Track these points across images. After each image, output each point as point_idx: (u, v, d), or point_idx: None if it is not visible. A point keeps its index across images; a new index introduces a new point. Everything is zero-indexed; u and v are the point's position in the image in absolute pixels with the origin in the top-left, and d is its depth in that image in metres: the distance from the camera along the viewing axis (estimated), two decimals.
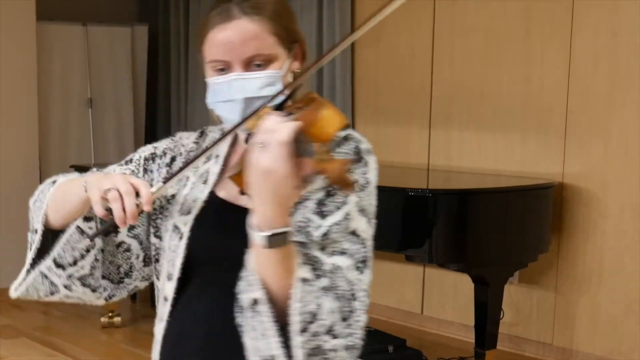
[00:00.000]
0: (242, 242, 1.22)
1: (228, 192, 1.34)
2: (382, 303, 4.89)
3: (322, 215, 1.25)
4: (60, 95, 5.74)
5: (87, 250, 1.40)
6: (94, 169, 1.45)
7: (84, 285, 1.43)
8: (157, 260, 1.42)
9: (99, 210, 1.23)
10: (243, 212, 1.23)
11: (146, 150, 1.47)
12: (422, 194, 3.54)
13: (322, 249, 1.22)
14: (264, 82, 1.28)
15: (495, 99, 4.36)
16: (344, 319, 1.19)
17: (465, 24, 4.47)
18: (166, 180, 1.27)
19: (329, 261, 1.21)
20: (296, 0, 5.30)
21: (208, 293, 1.32)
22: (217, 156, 1.41)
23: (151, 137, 6.47)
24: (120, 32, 6.01)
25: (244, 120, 1.21)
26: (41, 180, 5.74)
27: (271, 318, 1.16)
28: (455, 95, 4.53)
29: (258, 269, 1.17)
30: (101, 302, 1.47)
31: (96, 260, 1.42)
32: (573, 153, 4.07)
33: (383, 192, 4.20)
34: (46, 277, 1.41)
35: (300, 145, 1.09)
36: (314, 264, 1.20)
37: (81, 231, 1.38)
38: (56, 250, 1.39)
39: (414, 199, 3.52)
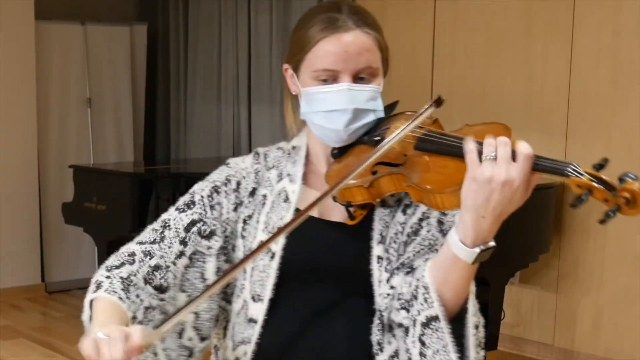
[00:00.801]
0: (342, 258, 1.25)
1: (316, 209, 1.29)
2: None
3: (444, 233, 1.28)
4: (59, 95, 5.73)
5: (183, 329, 1.34)
6: (160, 227, 1.36)
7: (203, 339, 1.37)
8: (227, 284, 1.36)
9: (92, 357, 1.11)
10: (336, 227, 1.28)
11: (204, 188, 1.38)
12: None
13: None
14: (370, 95, 1.31)
15: (497, 98, 4.35)
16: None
17: (466, 23, 4.46)
18: (162, 323, 1.15)
19: (473, 286, 1.25)
20: (296, 0, 5.29)
21: (305, 314, 1.29)
22: (289, 175, 1.37)
23: (150, 137, 6.46)
24: (119, 31, 5.99)
25: (385, 144, 1.21)
26: (40, 181, 5.67)
27: (451, 334, 1.17)
28: (456, 94, 4.52)
29: (439, 286, 1.18)
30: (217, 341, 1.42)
31: (196, 329, 1.36)
32: (575, 153, 4.05)
33: None
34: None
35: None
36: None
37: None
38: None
39: None
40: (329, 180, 1.30)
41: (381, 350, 1.24)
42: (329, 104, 1.29)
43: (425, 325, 1.18)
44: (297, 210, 1.32)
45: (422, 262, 1.24)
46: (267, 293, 1.30)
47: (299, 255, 1.30)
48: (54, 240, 5.56)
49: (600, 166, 1.16)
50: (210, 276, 1.33)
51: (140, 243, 1.33)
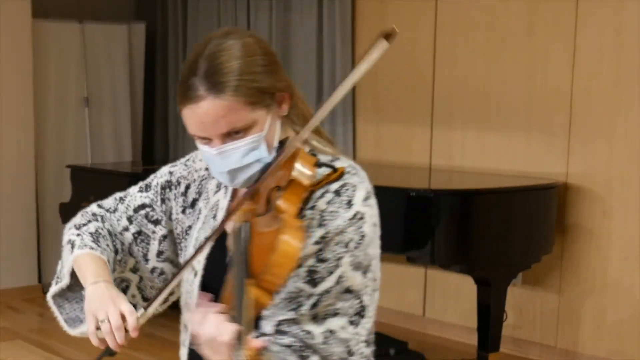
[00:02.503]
0: None
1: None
2: (383, 305, 4.83)
3: (314, 283, 1.25)
4: (57, 94, 5.71)
5: (127, 287, 1.51)
6: (114, 201, 1.53)
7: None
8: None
9: (94, 341, 1.32)
10: None
11: (163, 175, 1.50)
12: (424, 194, 3.53)
13: (314, 317, 1.25)
14: (246, 150, 1.28)
15: (498, 98, 4.33)
16: None
17: (468, 21, 4.44)
18: (148, 305, 1.34)
19: (320, 330, 1.24)
20: (296, 0, 5.27)
21: None
22: (225, 187, 1.42)
23: (149, 136, 6.44)
24: (117, 29, 5.97)
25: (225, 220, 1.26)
26: (37, 181, 5.64)
27: None
28: (458, 93, 4.51)
29: None
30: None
31: (138, 289, 1.52)
32: (577, 152, 4.04)
33: (384, 192, 4.14)
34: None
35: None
36: (301, 345, 1.23)
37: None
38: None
39: (416, 199, 3.50)
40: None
41: None
42: (211, 165, 1.32)
43: None
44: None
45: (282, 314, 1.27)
46: (193, 305, 1.38)
47: (215, 275, 1.33)
48: (52, 241, 5.52)
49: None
50: (153, 257, 1.49)
51: (100, 207, 1.52)
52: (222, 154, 1.28)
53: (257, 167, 1.29)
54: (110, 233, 1.47)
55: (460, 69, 4.50)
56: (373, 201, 1.33)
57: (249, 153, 1.28)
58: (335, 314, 1.25)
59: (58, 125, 5.72)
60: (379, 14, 4.89)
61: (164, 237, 1.48)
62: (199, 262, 1.38)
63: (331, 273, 1.25)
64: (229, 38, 1.29)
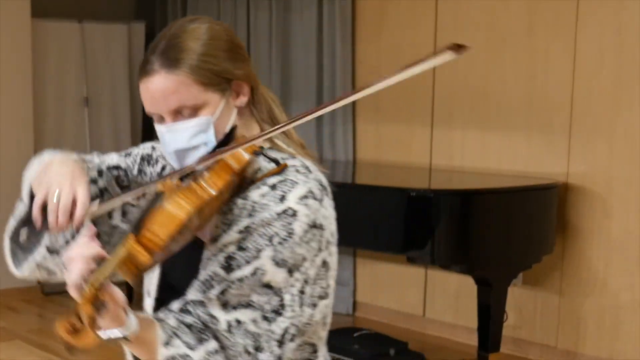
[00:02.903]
0: (190, 274, 1.29)
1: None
2: (383, 305, 4.86)
3: (229, 269, 1.25)
4: (56, 94, 5.70)
5: (78, 230, 1.38)
6: (92, 155, 1.47)
7: None
8: None
9: (35, 212, 1.26)
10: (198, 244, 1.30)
11: (146, 148, 1.48)
12: (424, 194, 3.53)
13: (224, 304, 1.24)
14: (193, 132, 1.28)
15: (499, 97, 4.32)
16: None
17: (468, 21, 4.43)
18: (105, 201, 1.31)
19: (226, 318, 1.23)
20: None
21: None
22: None
23: (148, 136, 6.42)
24: (117, 29, 5.96)
25: (170, 175, 1.25)
26: None
27: None
28: (458, 93, 4.50)
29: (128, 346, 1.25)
30: None
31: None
32: (578, 152, 4.03)
33: (384, 192, 4.11)
34: (42, 266, 1.39)
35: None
36: (201, 327, 1.23)
37: None
38: (47, 239, 1.37)
39: (416, 199, 3.50)
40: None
41: None
42: (162, 145, 1.33)
43: None
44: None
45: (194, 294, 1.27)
46: (153, 292, 1.40)
47: (175, 264, 1.33)
48: None
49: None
50: (117, 217, 1.42)
51: (80, 155, 1.46)
52: (171, 132, 1.28)
53: (203, 151, 1.28)
54: None
55: (461, 68, 4.48)
56: (314, 203, 1.27)
57: (197, 135, 1.28)
58: (247, 306, 1.24)
59: (57, 125, 5.71)
60: (379, 13, 4.88)
61: (129, 203, 1.43)
62: None
63: (248, 263, 1.24)
64: (195, 22, 1.32)
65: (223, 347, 1.22)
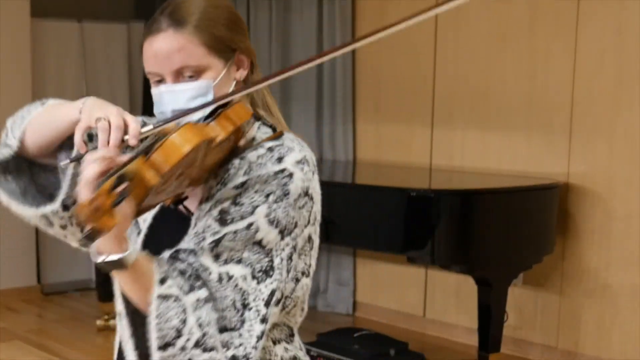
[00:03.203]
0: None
1: (189, 201, 1.35)
2: (384, 306, 4.85)
3: (223, 222, 1.26)
4: (55, 93, 5.60)
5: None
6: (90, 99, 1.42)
7: (78, 224, 1.37)
8: None
9: (77, 138, 1.22)
10: (186, 219, 1.31)
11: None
12: (424, 194, 3.52)
13: (216, 256, 1.24)
14: (193, 94, 1.29)
15: (499, 97, 4.32)
16: (230, 329, 1.22)
17: (469, 20, 4.42)
18: (157, 126, 1.25)
19: (218, 270, 1.23)
20: None
21: None
22: None
23: None
24: (116, 29, 5.95)
25: (165, 122, 1.25)
26: None
27: (129, 331, 1.24)
28: (458, 93, 4.49)
29: (119, 284, 1.23)
30: (78, 245, 1.42)
31: None
32: (578, 152, 4.02)
33: (384, 192, 4.09)
34: (46, 217, 1.37)
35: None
36: (192, 275, 1.22)
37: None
38: (64, 192, 1.34)
39: (416, 199, 3.49)
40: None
41: None
42: (158, 105, 1.31)
43: (119, 318, 1.28)
44: None
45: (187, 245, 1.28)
46: None
47: (157, 236, 1.36)
48: (50, 242, 5.50)
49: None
50: None
51: None
52: (170, 92, 1.29)
53: (199, 115, 1.28)
54: None
55: (461, 68, 4.48)
56: (309, 171, 1.30)
57: (196, 98, 1.29)
58: (239, 262, 1.24)
59: None
60: (379, 13, 4.87)
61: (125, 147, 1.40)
62: (145, 221, 1.37)
63: (242, 218, 1.25)
64: None
65: (213, 298, 1.22)
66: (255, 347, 1.23)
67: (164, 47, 1.28)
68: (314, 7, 5.16)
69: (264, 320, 1.24)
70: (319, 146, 5.18)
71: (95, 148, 1.19)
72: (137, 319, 1.22)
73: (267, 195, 1.25)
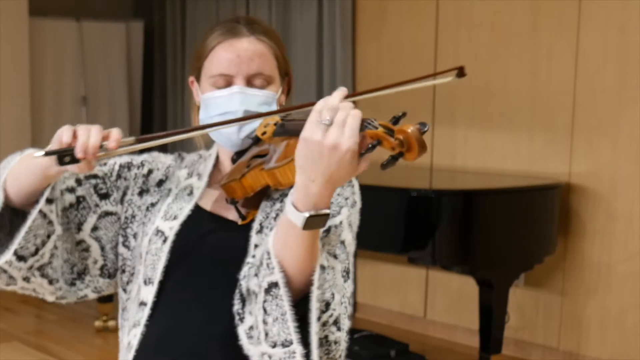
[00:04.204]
0: (226, 249, 1.32)
1: (213, 205, 1.41)
2: (384, 306, 4.84)
3: None
4: (54, 93, 5.68)
5: (48, 236, 1.34)
6: None
7: (42, 275, 1.37)
8: (123, 271, 1.44)
9: (66, 135, 1.21)
10: (226, 223, 1.36)
11: (124, 157, 1.49)
12: (425, 194, 3.51)
13: (322, 246, 1.26)
14: (262, 100, 1.37)
15: (501, 96, 4.30)
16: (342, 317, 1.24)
17: (470, 19, 4.41)
18: (139, 141, 1.25)
19: (326, 261, 1.25)
20: None
21: (188, 299, 1.34)
22: (199, 174, 1.47)
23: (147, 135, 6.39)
24: (115, 28, 5.94)
25: (251, 117, 1.31)
26: None
27: (289, 302, 1.17)
28: (460, 92, 4.47)
29: (279, 252, 1.18)
30: (53, 298, 1.41)
31: (55, 247, 1.36)
32: (581, 152, 4.01)
33: (385, 192, 4.07)
34: (5, 271, 1.34)
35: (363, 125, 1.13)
36: (328, 252, 1.26)
37: (43, 215, 1.32)
38: (17, 242, 1.32)
39: (417, 199, 3.49)
40: (226, 190, 1.37)
41: (241, 320, 1.25)
42: (222, 107, 1.36)
43: (267, 291, 1.19)
44: (197, 206, 1.41)
45: None
46: (157, 276, 1.36)
47: (189, 240, 1.36)
48: None
49: (396, 119, 1.15)
50: (87, 229, 1.41)
51: None
52: (242, 94, 1.35)
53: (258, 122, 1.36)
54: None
55: None
56: (358, 183, 1.41)
57: (263, 104, 1.37)
58: (335, 257, 1.27)
59: (55, 124, 5.62)
60: (379, 11, 4.85)
61: (106, 213, 1.42)
62: (172, 229, 1.37)
63: (334, 216, 1.30)
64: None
65: (335, 282, 1.23)
66: (346, 342, 1.26)
67: (249, 48, 1.36)
68: (314, 6, 5.15)
69: (349, 317, 1.27)
70: None
71: (71, 154, 1.19)
72: (293, 290, 1.19)
73: (346, 199, 1.34)
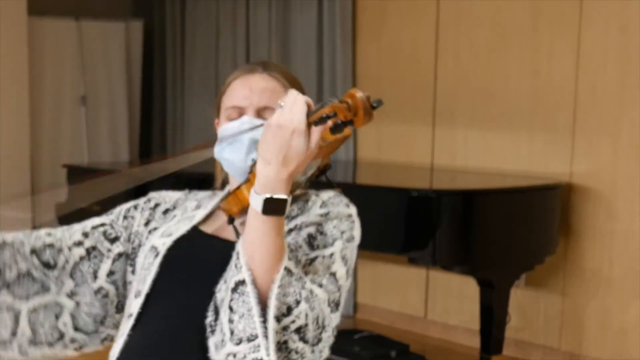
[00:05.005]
0: (217, 264, 1.33)
1: (214, 228, 1.46)
2: (384, 307, 4.84)
3: (312, 246, 1.36)
4: (53, 92, 5.67)
5: (60, 313, 1.46)
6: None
7: (45, 344, 1.47)
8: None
9: None
10: (223, 242, 1.39)
11: (130, 203, 1.58)
12: (425, 194, 3.50)
13: (306, 274, 1.31)
14: None
15: (502, 96, 4.30)
16: (315, 343, 1.28)
17: (471, 18, 4.41)
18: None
19: (309, 286, 1.29)
20: None
21: (170, 309, 1.38)
22: (205, 206, 1.53)
23: (146, 136, 6.39)
24: (114, 27, 5.94)
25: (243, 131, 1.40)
26: (32, 181, 5.62)
27: (255, 298, 1.23)
28: (460, 92, 4.47)
29: (246, 251, 1.25)
30: (73, 352, 1.49)
31: (72, 316, 1.46)
32: (581, 152, 4.00)
33: (385, 192, 4.06)
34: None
35: (317, 114, 1.23)
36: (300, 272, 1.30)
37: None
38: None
39: (418, 199, 3.48)
40: (223, 205, 1.42)
41: (212, 332, 1.29)
42: (233, 135, 1.42)
43: (234, 290, 1.25)
44: (196, 227, 1.47)
45: None
46: (146, 288, 1.41)
47: (180, 255, 1.42)
48: None
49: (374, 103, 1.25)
50: (103, 276, 1.47)
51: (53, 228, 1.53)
52: (252, 121, 1.42)
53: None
54: (51, 246, 1.46)
55: (463, 67, 4.46)
56: (359, 221, 1.46)
57: None
58: (320, 285, 1.31)
59: (54, 124, 5.69)
60: (379, 12, 4.84)
61: (119, 255, 1.50)
62: (164, 244, 1.43)
63: (326, 246, 1.35)
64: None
65: (311, 300, 1.27)
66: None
67: (261, 83, 1.45)
68: (314, 6, 5.14)
69: (329, 348, 1.32)
70: None
71: None
72: (259, 290, 1.24)
73: (342, 233, 1.39)
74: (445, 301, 4.59)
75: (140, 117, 6.26)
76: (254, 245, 1.25)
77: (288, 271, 1.25)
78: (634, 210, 3.83)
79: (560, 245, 3.94)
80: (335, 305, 1.32)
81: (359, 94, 1.20)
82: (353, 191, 3.79)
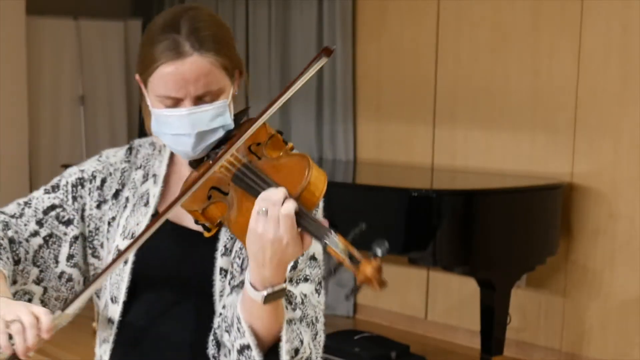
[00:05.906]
0: (189, 267, 1.34)
1: (173, 213, 1.36)
2: (385, 307, 4.83)
3: None
4: (51, 92, 5.67)
5: (30, 299, 1.43)
6: (13, 207, 1.47)
7: None
8: None
9: (2, 341, 1.23)
10: (189, 235, 1.37)
11: (73, 174, 1.48)
12: (426, 194, 3.50)
13: (290, 280, 1.31)
14: (214, 114, 1.33)
15: (502, 96, 4.29)
16: (314, 339, 1.33)
17: (471, 18, 4.40)
18: (65, 307, 1.28)
19: (297, 291, 1.31)
20: None
21: (153, 315, 1.39)
22: (154, 175, 1.46)
23: (145, 135, 6.36)
24: (113, 26, 5.93)
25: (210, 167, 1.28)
26: (31, 181, 5.62)
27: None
28: (461, 91, 4.46)
29: (248, 319, 1.25)
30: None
31: (41, 302, 1.43)
32: (582, 152, 3.99)
33: (386, 192, 4.03)
34: None
35: (302, 217, 1.18)
36: (289, 299, 1.30)
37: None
38: None
39: (418, 199, 3.48)
40: (186, 207, 1.35)
41: None
42: (174, 127, 1.33)
43: (240, 352, 1.27)
44: (156, 213, 1.41)
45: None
46: (122, 296, 1.40)
47: (150, 261, 1.39)
48: None
49: (354, 235, 1.20)
50: (63, 260, 1.44)
51: (2, 213, 1.45)
52: (192, 115, 1.31)
53: (220, 133, 1.34)
54: (12, 241, 1.41)
55: (464, 66, 4.45)
56: None
57: (216, 118, 1.33)
58: (305, 279, 1.33)
59: (52, 123, 5.69)
60: (380, 11, 4.83)
61: (75, 238, 1.45)
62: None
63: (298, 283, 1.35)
64: (200, 9, 1.36)
65: (303, 316, 1.31)
66: (321, 356, 1.34)
67: (193, 70, 1.30)
68: (314, 5, 5.13)
69: (323, 328, 1.36)
70: (319, 146, 5.15)
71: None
72: (264, 346, 1.27)
73: (306, 277, 1.37)
74: (446, 302, 4.59)
75: (139, 116, 6.26)
76: (254, 317, 1.26)
77: (289, 322, 1.28)
78: (635, 210, 3.82)
79: (561, 246, 3.93)
80: (319, 285, 1.36)
81: (370, 271, 1.12)
82: (353, 191, 3.80)
